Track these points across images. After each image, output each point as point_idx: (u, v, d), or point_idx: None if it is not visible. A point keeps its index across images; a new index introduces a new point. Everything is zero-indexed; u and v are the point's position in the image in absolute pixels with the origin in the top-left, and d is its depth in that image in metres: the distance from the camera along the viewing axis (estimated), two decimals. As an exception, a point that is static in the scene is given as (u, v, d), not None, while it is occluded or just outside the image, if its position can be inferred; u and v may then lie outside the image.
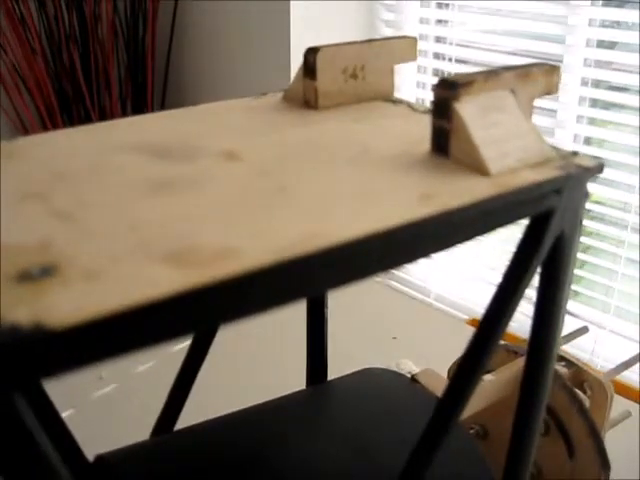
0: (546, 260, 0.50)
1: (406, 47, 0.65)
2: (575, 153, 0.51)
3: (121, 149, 0.52)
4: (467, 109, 0.48)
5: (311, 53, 0.60)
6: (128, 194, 0.45)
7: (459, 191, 0.44)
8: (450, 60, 2.22)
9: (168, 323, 0.34)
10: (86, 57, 2.48)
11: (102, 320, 0.32)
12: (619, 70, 1.88)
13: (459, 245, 0.44)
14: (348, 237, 0.38)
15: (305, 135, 0.55)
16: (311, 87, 0.60)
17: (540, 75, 0.53)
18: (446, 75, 0.48)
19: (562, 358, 0.88)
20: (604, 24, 1.87)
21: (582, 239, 2.03)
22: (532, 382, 0.57)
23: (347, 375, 0.81)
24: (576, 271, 2.07)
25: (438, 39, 2.24)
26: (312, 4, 2.21)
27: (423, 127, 0.52)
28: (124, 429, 1.33)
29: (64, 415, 1.39)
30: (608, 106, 1.95)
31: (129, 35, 2.54)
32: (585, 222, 2.02)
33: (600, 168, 0.49)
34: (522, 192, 0.45)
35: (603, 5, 1.86)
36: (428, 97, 2.28)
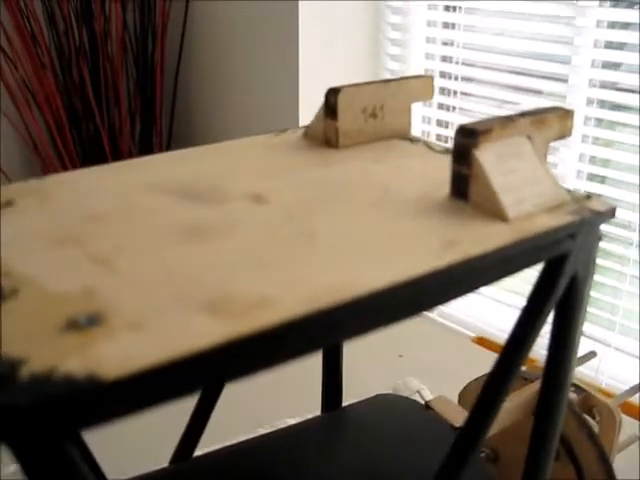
0: (560, 299, 0.52)
1: (423, 86, 0.67)
2: (589, 197, 0.53)
3: (149, 190, 0.54)
4: (486, 156, 0.50)
5: (332, 94, 0.62)
6: (161, 239, 0.47)
7: (480, 237, 0.46)
8: (457, 63, 2.24)
9: (209, 372, 0.36)
10: (95, 72, 2.51)
11: (149, 371, 0.34)
12: (624, 90, 1.90)
13: (477, 290, 0.46)
14: (376, 287, 0.40)
15: (328, 176, 0.57)
16: (332, 127, 0.62)
17: (555, 121, 0.55)
18: (464, 124, 0.50)
19: (571, 384, 0.90)
20: (613, 26, 1.89)
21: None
22: (547, 414, 0.59)
23: (361, 401, 0.83)
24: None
25: (445, 42, 2.26)
26: (318, 5, 2.23)
27: (441, 168, 0.55)
28: (143, 454, 1.35)
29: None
30: (613, 126, 1.97)
31: (138, 51, 2.57)
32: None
33: (612, 212, 0.51)
34: (539, 238, 0.47)
35: (611, 6, 1.88)
36: (435, 99, 2.30)
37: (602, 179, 2.03)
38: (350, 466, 0.71)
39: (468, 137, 0.50)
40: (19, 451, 0.32)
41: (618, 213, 1.96)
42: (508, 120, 0.52)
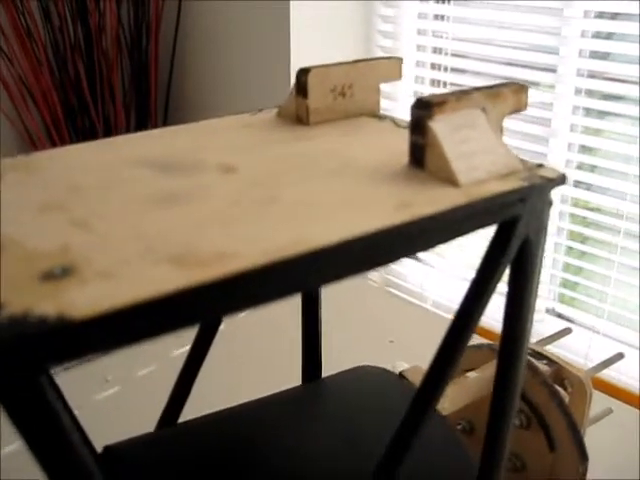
0: (514, 262, 0.55)
1: (391, 67, 0.70)
2: (540, 165, 0.56)
3: (128, 164, 0.58)
4: (440, 126, 0.53)
5: (303, 74, 0.65)
6: (136, 206, 0.50)
7: (432, 200, 0.50)
8: (447, 54, 2.27)
9: (172, 316, 0.40)
10: (91, 67, 2.54)
11: (115, 312, 0.37)
12: (612, 80, 1.93)
13: (432, 249, 0.49)
14: (330, 241, 0.44)
15: (296, 149, 0.60)
16: (303, 105, 0.66)
17: (509, 94, 0.58)
18: (421, 96, 0.54)
19: (544, 356, 0.93)
20: (601, 16, 1.92)
21: (578, 245, 2.08)
22: (504, 379, 0.62)
23: (340, 372, 0.86)
24: (571, 277, 2.12)
25: (436, 33, 2.29)
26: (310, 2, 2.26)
27: (404, 142, 0.58)
28: (128, 427, 1.38)
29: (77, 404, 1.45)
30: (602, 115, 2.00)
31: (133, 46, 2.60)
32: (580, 229, 2.07)
33: (562, 179, 0.55)
34: (488, 201, 0.50)
35: (596, 17, 1.91)
36: (426, 90, 2.34)
37: (591, 168, 2.06)
38: (325, 432, 0.74)
39: (423, 109, 0.54)
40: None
41: (607, 202, 1.99)
42: (463, 93, 0.56)
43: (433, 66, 2.32)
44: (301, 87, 0.66)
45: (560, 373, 0.92)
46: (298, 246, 0.43)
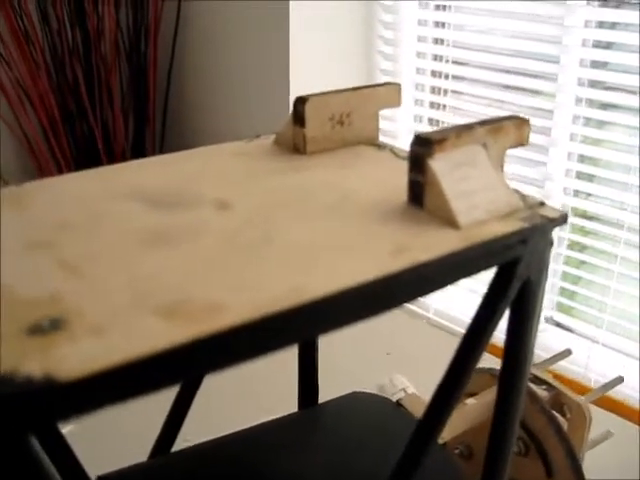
0: (514, 302, 0.54)
1: (391, 94, 0.69)
2: (542, 203, 0.55)
3: (121, 197, 0.57)
4: (440, 165, 0.52)
5: (300, 103, 0.64)
6: (128, 246, 0.49)
7: (430, 245, 0.49)
8: (448, 61, 2.25)
9: (164, 372, 0.38)
10: (89, 71, 2.53)
11: (105, 372, 0.36)
12: (612, 89, 1.92)
13: (430, 294, 0.48)
14: (325, 293, 0.43)
15: (292, 182, 0.59)
16: (300, 134, 0.65)
17: (511, 128, 0.57)
18: (420, 133, 0.53)
19: (543, 382, 0.92)
20: (602, 25, 1.90)
21: (577, 254, 2.07)
22: (505, 408, 0.61)
23: (336, 399, 0.85)
24: (570, 286, 2.11)
25: (436, 40, 2.28)
26: (309, 4, 2.24)
27: (403, 174, 0.57)
28: (125, 445, 1.37)
29: (66, 430, 1.44)
30: (601, 125, 1.99)
31: (131, 50, 2.59)
32: (579, 238, 2.06)
33: (564, 219, 0.53)
34: (489, 244, 0.49)
35: (600, 6, 1.89)
36: (426, 97, 2.32)
37: (590, 177, 2.05)
38: (321, 460, 0.73)
39: (423, 146, 0.53)
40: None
41: (606, 211, 1.98)
42: (464, 129, 0.55)
43: (433, 73, 2.31)
44: (298, 116, 0.65)
45: (559, 398, 0.91)
46: (292, 298, 0.42)
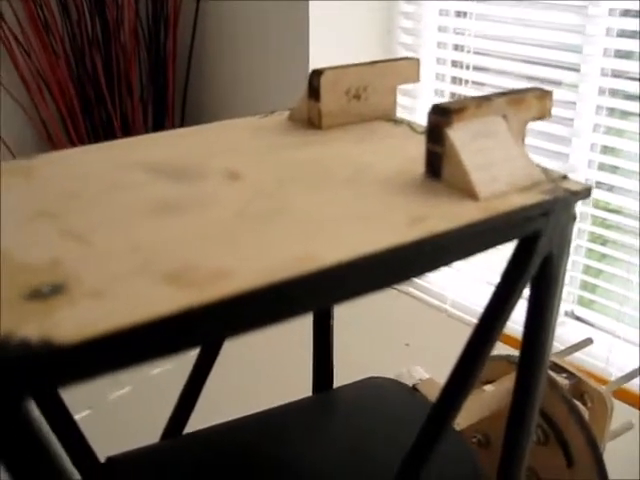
0: (535, 279, 0.52)
1: (409, 68, 0.67)
2: (565, 177, 0.53)
3: (132, 168, 0.55)
4: (459, 135, 0.50)
5: (315, 76, 0.62)
6: (135, 215, 0.47)
7: (447, 215, 0.47)
8: (469, 51, 2.23)
9: (166, 339, 0.37)
10: (108, 62, 2.52)
11: (105, 337, 0.35)
12: (636, 79, 1.89)
13: (448, 266, 0.46)
14: (336, 261, 0.41)
15: (305, 156, 0.57)
16: (315, 108, 0.63)
17: (533, 100, 0.55)
18: (439, 103, 0.51)
19: (564, 370, 0.90)
20: (625, 14, 1.87)
21: (598, 247, 2.04)
22: (524, 394, 0.59)
23: (351, 384, 0.83)
24: (591, 280, 2.08)
25: (457, 31, 2.25)
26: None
27: (421, 149, 0.55)
28: (137, 429, 1.36)
29: (81, 415, 1.43)
30: (625, 116, 1.96)
31: (151, 40, 2.58)
32: (601, 231, 2.03)
33: (588, 192, 0.51)
34: (509, 216, 0.47)
35: (621, 15, 1.87)
36: (447, 89, 2.30)
37: (613, 169, 2.01)
38: (336, 444, 0.72)
39: (441, 116, 0.51)
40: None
41: (629, 203, 1.95)
42: (484, 99, 0.53)
43: (454, 64, 2.28)
44: (313, 90, 0.63)
45: (580, 387, 0.88)
46: (301, 265, 0.40)
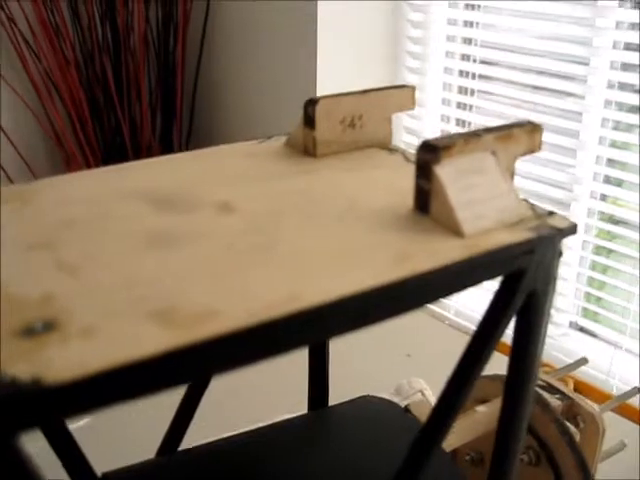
0: (520, 313, 0.53)
1: (404, 97, 0.68)
2: (552, 213, 0.54)
3: (125, 197, 0.56)
4: (446, 172, 0.51)
5: (310, 105, 0.63)
6: (127, 247, 0.49)
7: (432, 253, 0.48)
8: (475, 61, 2.23)
9: (154, 378, 0.38)
10: (118, 67, 2.54)
11: (94, 376, 0.36)
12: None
13: (432, 302, 0.47)
14: (322, 300, 0.42)
15: (299, 186, 0.58)
16: (310, 136, 0.64)
17: (522, 135, 0.56)
18: (428, 139, 0.52)
19: (558, 390, 0.91)
20: (633, 27, 1.87)
21: (601, 259, 2.05)
22: (509, 422, 0.60)
23: (345, 402, 0.84)
24: (594, 291, 2.09)
25: (465, 40, 2.26)
26: (337, 4, 2.24)
27: (412, 179, 0.56)
28: (136, 439, 1.38)
29: (81, 424, 1.45)
30: (631, 128, 1.96)
31: (160, 46, 2.60)
32: (604, 242, 2.03)
33: (573, 229, 0.52)
34: (493, 254, 0.48)
35: (632, 7, 1.87)
36: (454, 97, 2.31)
37: (619, 182, 2.02)
38: (327, 462, 0.73)
39: (429, 152, 0.52)
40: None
41: (633, 216, 1.95)
42: (472, 135, 0.54)
43: (461, 73, 2.29)
44: (309, 118, 0.64)
45: (573, 408, 0.89)
46: (285, 306, 0.42)
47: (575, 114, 2.04)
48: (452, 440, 0.80)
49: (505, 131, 0.55)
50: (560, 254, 0.53)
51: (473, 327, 1.63)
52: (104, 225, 0.52)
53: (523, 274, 0.50)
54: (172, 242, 0.49)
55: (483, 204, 0.52)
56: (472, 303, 2.22)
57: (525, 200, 0.55)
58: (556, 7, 1.99)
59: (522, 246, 0.50)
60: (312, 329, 0.43)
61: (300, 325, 0.42)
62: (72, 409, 0.36)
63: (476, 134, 0.54)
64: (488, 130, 0.55)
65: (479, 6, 2.21)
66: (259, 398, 1.50)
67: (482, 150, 0.54)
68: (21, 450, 0.35)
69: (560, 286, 2.17)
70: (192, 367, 0.39)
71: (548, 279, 0.52)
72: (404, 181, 0.58)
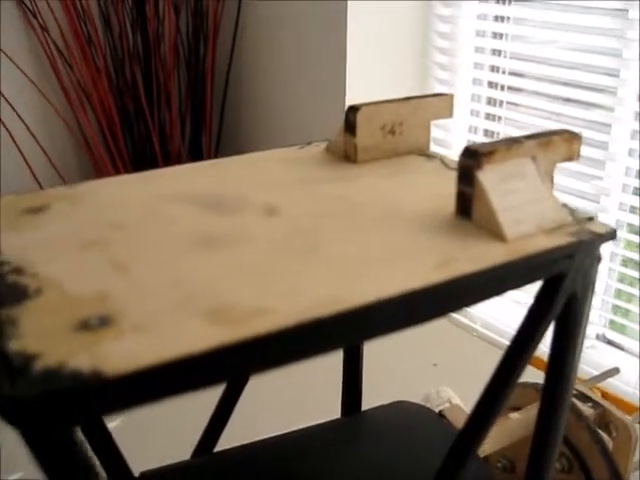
0: (559, 318, 0.54)
1: (443, 105, 0.69)
2: (591, 218, 0.55)
3: (172, 199, 0.58)
4: (488, 177, 0.52)
5: (351, 111, 0.65)
6: (177, 248, 0.50)
7: (475, 256, 0.49)
8: (504, 73, 2.24)
9: (203, 373, 0.39)
10: (148, 75, 2.57)
11: (148, 370, 0.37)
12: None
13: (474, 305, 0.48)
14: (367, 300, 0.43)
15: (341, 191, 0.59)
16: (351, 143, 0.65)
17: (561, 143, 0.57)
18: (470, 145, 0.53)
19: (590, 399, 0.91)
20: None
21: (629, 271, 2.04)
22: (547, 426, 0.60)
23: (378, 407, 0.85)
24: (622, 303, 2.08)
25: (494, 52, 2.26)
26: (367, 14, 2.25)
27: (451, 185, 0.57)
28: (171, 440, 1.39)
29: (114, 424, 1.46)
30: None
31: (190, 55, 2.63)
32: (632, 254, 2.02)
33: (612, 235, 0.53)
34: (534, 258, 0.49)
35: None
36: (482, 108, 2.31)
37: (648, 194, 2.01)
38: (361, 465, 0.74)
39: (471, 158, 0.53)
40: (29, 438, 0.35)
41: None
42: (513, 142, 0.55)
43: (490, 84, 2.29)
44: (350, 125, 0.65)
45: (605, 416, 0.90)
46: (335, 304, 0.43)
47: (603, 125, 2.03)
48: (486, 446, 0.81)
49: (545, 138, 0.56)
50: (599, 259, 0.53)
51: (499, 338, 1.63)
52: (153, 226, 0.53)
53: (563, 278, 0.51)
54: (219, 243, 0.51)
55: (524, 209, 0.53)
56: (499, 315, 2.21)
57: (565, 205, 0.55)
58: (586, 19, 1.99)
59: (562, 250, 0.51)
60: (358, 328, 0.44)
61: (347, 324, 0.43)
62: (127, 401, 0.38)
63: (517, 140, 0.55)
64: (529, 137, 0.56)
65: (508, 18, 2.21)
66: (291, 403, 1.51)
67: (523, 156, 0.55)
68: (81, 441, 0.37)
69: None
70: (243, 362, 0.40)
71: (587, 284, 0.53)
72: (444, 186, 0.59)
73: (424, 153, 0.69)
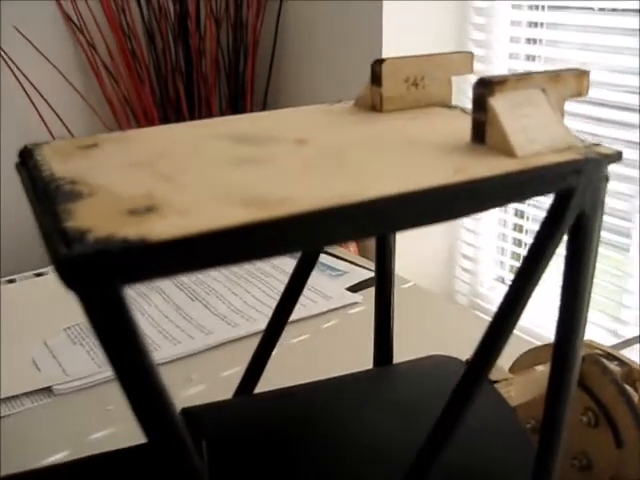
0: (570, 233, 0.58)
1: (462, 61, 0.74)
2: (598, 144, 0.59)
3: (212, 138, 0.64)
4: (500, 103, 0.57)
5: (377, 64, 0.70)
6: (215, 165, 0.56)
7: (488, 166, 0.53)
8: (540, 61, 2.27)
9: (237, 246, 0.45)
10: (190, 88, 2.66)
11: (188, 238, 0.43)
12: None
13: (487, 211, 0.52)
14: (390, 192, 0.48)
15: (366, 130, 0.65)
16: (377, 93, 0.70)
17: (571, 78, 0.61)
18: (482, 76, 0.57)
19: (615, 358, 0.94)
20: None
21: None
22: (560, 366, 0.64)
23: (411, 360, 0.89)
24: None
25: (528, 57, 2.30)
26: (402, 17, 2.30)
27: (469, 123, 0.61)
28: (216, 380, 1.45)
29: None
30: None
31: (230, 69, 2.71)
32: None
33: (618, 156, 0.57)
34: (543, 170, 0.54)
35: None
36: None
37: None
38: (391, 410, 0.77)
39: (485, 87, 0.57)
40: (83, 296, 0.41)
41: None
42: (524, 74, 0.59)
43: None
44: (376, 76, 0.70)
45: (631, 374, 0.92)
46: (357, 196, 0.48)
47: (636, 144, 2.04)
48: (512, 393, 0.84)
49: (554, 72, 0.61)
50: (607, 179, 0.57)
51: (534, 341, 1.62)
52: (194, 154, 0.60)
53: (572, 193, 0.55)
54: (253, 162, 0.56)
55: (535, 131, 0.57)
56: (537, 319, 2.22)
57: (574, 131, 0.60)
58: (624, 21, 2.02)
59: (571, 165, 0.55)
60: (378, 219, 0.49)
61: (369, 213, 0.48)
62: (171, 266, 0.43)
63: (527, 73, 0.60)
64: (538, 72, 0.61)
65: (542, 24, 2.25)
66: (325, 354, 1.56)
67: (533, 87, 0.59)
68: (126, 300, 0.42)
69: (626, 299, 2.18)
70: (268, 240, 0.46)
71: (596, 202, 0.57)
72: (462, 125, 0.64)
73: (445, 105, 0.73)
